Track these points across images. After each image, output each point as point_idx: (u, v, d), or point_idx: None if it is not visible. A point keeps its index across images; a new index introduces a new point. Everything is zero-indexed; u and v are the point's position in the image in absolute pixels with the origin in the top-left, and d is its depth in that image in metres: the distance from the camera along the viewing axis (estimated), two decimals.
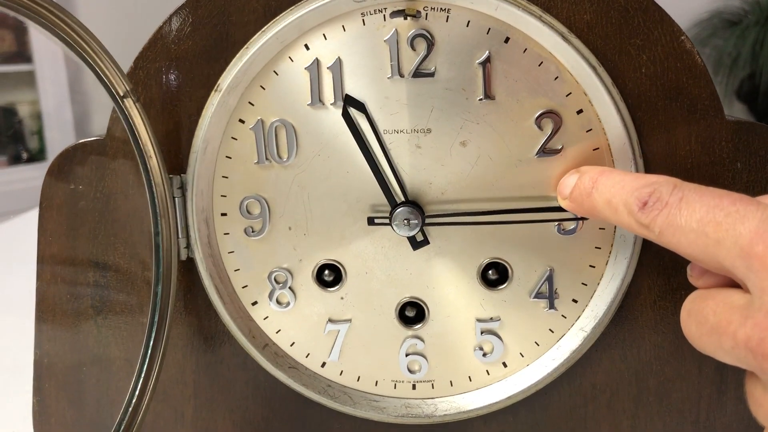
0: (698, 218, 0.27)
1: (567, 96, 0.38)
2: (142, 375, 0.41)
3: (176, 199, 0.41)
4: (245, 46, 0.39)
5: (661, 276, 0.41)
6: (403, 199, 0.40)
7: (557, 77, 0.38)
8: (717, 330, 0.27)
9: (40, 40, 2.91)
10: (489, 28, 0.38)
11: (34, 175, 3.02)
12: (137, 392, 0.41)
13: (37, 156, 3.13)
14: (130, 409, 0.40)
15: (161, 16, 0.41)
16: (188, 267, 0.42)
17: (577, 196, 0.35)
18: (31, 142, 3.17)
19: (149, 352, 0.41)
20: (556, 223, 0.40)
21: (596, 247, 0.40)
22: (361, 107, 0.39)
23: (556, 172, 0.39)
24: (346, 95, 0.39)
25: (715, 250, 0.27)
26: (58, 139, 3.08)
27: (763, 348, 0.25)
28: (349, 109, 0.39)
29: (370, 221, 0.40)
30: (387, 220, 0.40)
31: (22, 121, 3.10)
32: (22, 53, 2.98)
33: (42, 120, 3.07)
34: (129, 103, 0.38)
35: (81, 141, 0.42)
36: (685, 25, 3.00)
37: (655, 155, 0.39)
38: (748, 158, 0.39)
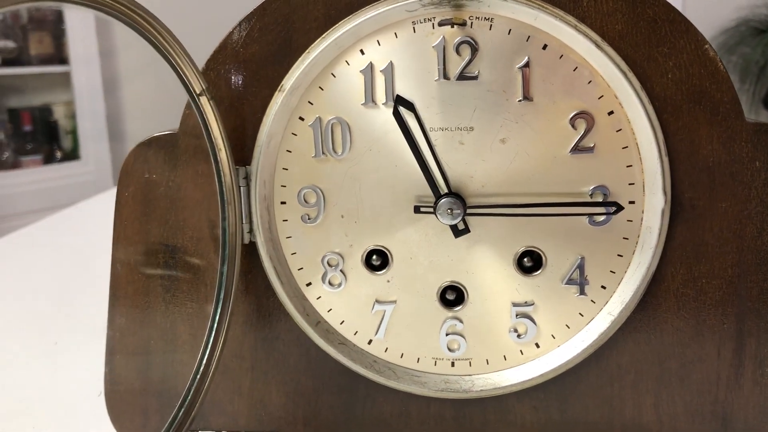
0: None
1: (599, 98, 0.42)
2: (209, 348, 0.45)
3: (241, 188, 0.45)
4: (307, 51, 0.43)
5: (683, 265, 0.44)
6: (446, 190, 0.44)
7: (590, 81, 0.42)
8: None
9: (76, 42, 2.99)
10: (528, 36, 0.42)
11: (67, 173, 3.11)
12: (204, 364, 0.45)
13: (71, 155, 3.21)
14: (198, 378, 0.45)
15: (227, 21, 0.45)
16: (250, 250, 0.46)
17: None
18: (66, 142, 3.25)
19: (215, 326, 0.45)
20: (588, 215, 0.44)
21: (624, 238, 0.44)
22: (410, 107, 0.43)
23: (588, 168, 0.43)
24: (397, 96, 0.43)
25: None
26: (92, 139, 3.16)
27: None
28: (399, 109, 0.43)
29: (416, 210, 0.44)
30: (431, 210, 0.44)
31: (57, 121, 3.19)
32: (58, 55, 3.06)
33: (76, 120, 3.15)
34: (204, 101, 0.42)
35: (155, 134, 0.46)
36: (713, 33, 3.00)
37: (680, 154, 0.42)
38: (766, 157, 0.42)
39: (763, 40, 2.86)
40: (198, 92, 0.41)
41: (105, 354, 0.49)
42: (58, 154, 3.19)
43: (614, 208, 0.43)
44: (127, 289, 0.48)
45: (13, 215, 2.71)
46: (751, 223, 0.43)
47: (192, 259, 0.47)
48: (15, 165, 3.02)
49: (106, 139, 3.16)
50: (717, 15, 3.02)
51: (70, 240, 1.06)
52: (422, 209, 0.44)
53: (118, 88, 3.15)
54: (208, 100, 0.42)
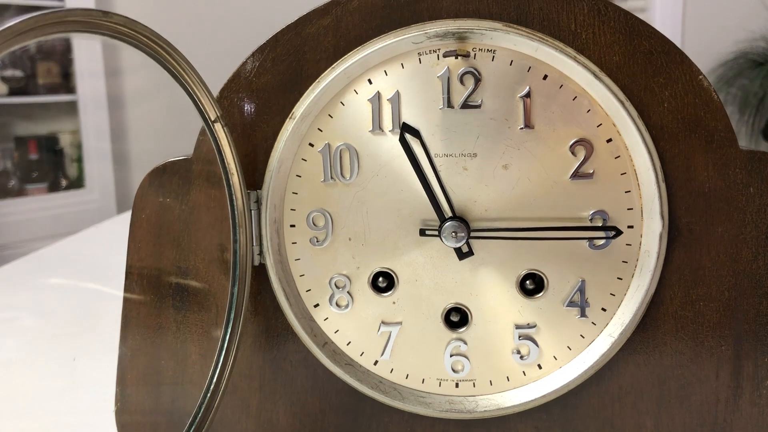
0: None
1: (598, 127, 0.44)
2: (218, 367, 0.46)
3: (252, 211, 0.46)
4: (317, 80, 0.45)
5: (681, 288, 0.45)
6: (450, 214, 0.45)
7: (589, 110, 0.44)
8: None
9: (83, 72, 3.04)
10: (530, 67, 0.44)
11: (72, 201, 3.14)
12: (213, 383, 0.46)
13: (76, 183, 3.24)
14: (207, 397, 0.46)
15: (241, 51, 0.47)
16: (259, 272, 0.48)
17: None
18: (71, 170, 3.28)
19: (225, 346, 0.46)
20: (587, 239, 0.45)
21: (623, 261, 0.45)
22: (416, 134, 0.45)
23: (588, 194, 0.44)
24: (404, 123, 0.45)
25: None
26: (96, 167, 3.19)
27: None
28: (405, 136, 0.45)
29: (422, 233, 0.46)
30: (436, 233, 0.45)
31: (63, 149, 3.22)
32: (66, 84, 3.11)
33: (82, 149, 3.18)
34: (218, 127, 0.44)
35: (170, 160, 0.48)
36: (712, 65, 3.05)
37: (676, 180, 0.44)
38: (760, 183, 0.44)
39: (761, 72, 2.90)
40: (213, 119, 0.43)
41: (116, 373, 0.50)
42: (63, 182, 3.22)
43: (613, 233, 0.44)
44: (140, 310, 0.49)
45: (18, 242, 2.73)
46: (747, 247, 0.44)
47: (203, 281, 0.48)
48: (20, 193, 3.04)
49: (111, 168, 3.20)
50: (716, 47, 3.06)
51: (78, 265, 1.07)
52: (427, 232, 0.46)
53: (124, 116, 3.19)
54: (222, 127, 0.44)
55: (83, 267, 1.05)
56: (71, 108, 3.14)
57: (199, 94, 0.42)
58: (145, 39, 0.37)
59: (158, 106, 2.85)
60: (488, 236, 0.45)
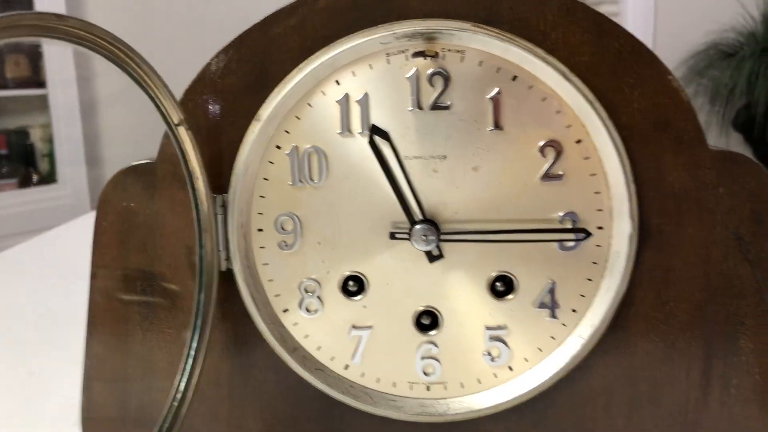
0: None
1: (567, 128, 0.43)
2: (185, 375, 0.45)
3: (218, 216, 0.45)
4: (283, 82, 0.44)
5: (651, 289, 0.45)
6: (421, 217, 0.45)
7: (559, 111, 0.43)
8: None
9: (53, 66, 2.98)
10: (499, 68, 0.43)
11: (44, 197, 3.09)
12: (181, 391, 0.45)
13: (48, 178, 3.19)
14: (175, 405, 0.45)
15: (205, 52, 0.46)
16: (227, 277, 0.47)
17: None
18: (42, 165, 3.23)
19: (192, 353, 0.45)
20: (557, 241, 0.45)
21: (593, 263, 0.45)
22: (385, 136, 0.44)
23: (557, 195, 0.44)
24: (372, 125, 0.44)
25: None
26: (68, 162, 3.14)
27: None
28: (374, 138, 0.44)
29: (392, 236, 0.45)
30: (407, 236, 0.45)
31: (34, 144, 3.17)
32: (35, 78, 3.05)
33: (53, 143, 3.13)
34: (181, 131, 0.43)
35: (134, 164, 0.47)
36: (683, 56, 3.08)
37: (646, 180, 0.44)
38: (730, 184, 0.44)
39: (731, 63, 2.93)
40: (176, 122, 0.42)
41: (82, 382, 0.49)
42: (35, 178, 3.17)
43: (583, 235, 0.44)
44: (105, 317, 0.48)
45: None
46: (717, 248, 0.44)
47: (170, 286, 0.47)
48: None
49: (84, 163, 3.15)
50: (687, 38, 3.09)
51: (49, 264, 1.05)
52: (397, 235, 0.45)
53: (95, 111, 3.15)
54: (186, 130, 0.43)
55: (50, 268, 1.03)
56: (41, 102, 3.08)
57: (161, 97, 0.41)
58: (103, 42, 0.36)
59: (132, 101, 2.81)
60: (458, 239, 0.45)
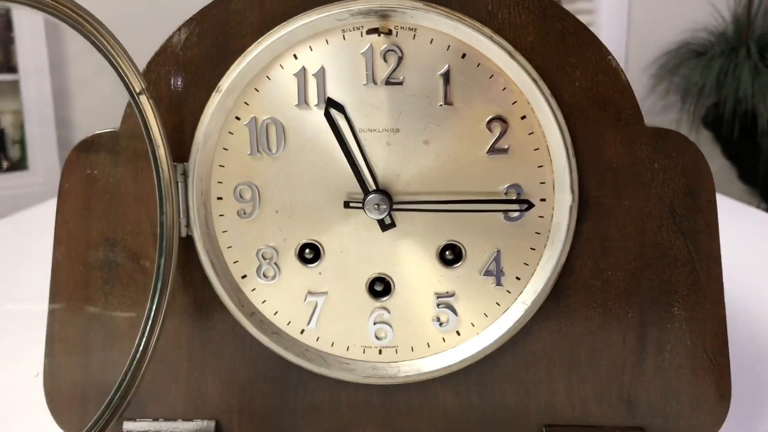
0: None
1: (513, 104, 0.46)
2: (144, 337, 0.47)
3: (179, 183, 0.47)
4: (243, 55, 0.46)
5: (590, 258, 0.48)
6: (374, 187, 0.47)
7: (505, 88, 0.46)
8: None
9: (25, 51, 2.95)
10: (449, 45, 0.45)
11: (15, 184, 3.06)
12: (139, 354, 0.47)
13: (19, 165, 3.16)
14: (132, 367, 0.47)
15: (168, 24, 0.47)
16: (187, 244, 0.48)
17: None
18: (13, 152, 3.20)
19: (151, 317, 0.47)
20: (503, 212, 0.47)
21: (536, 233, 0.47)
22: (340, 109, 0.46)
23: (503, 168, 0.46)
24: (328, 98, 0.46)
25: None
26: (40, 148, 3.11)
27: None
28: (330, 110, 0.46)
29: (346, 205, 0.47)
30: (360, 205, 0.47)
31: (4, 130, 3.13)
32: (7, 63, 3.02)
33: (24, 130, 3.10)
34: (143, 99, 0.44)
35: (97, 132, 0.48)
36: (656, 54, 3.13)
37: (586, 155, 0.46)
38: (664, 160, 0.47)
39: (701, 62, 2.99)
40: (138, 91, 0.44)
41: (45, 345, 0.50)
42: (5, 164, 3.14)
43: (526, 206, 0.46)
44: (68, 282, 0.49)
45: None
46: (652, 219, 0.47)
47: (131, 253, 0.49)
48: None
49: (56, 149, 3.12)
50: (660, 37, 3.15)
51: (18, 245, 1.06)
52: (351, 204, 0.47)
53: (68, 97, 3.12)
54: (148, 99, 0.44)
55: (19, 248, 1.03)
56: (12, 87, 3.05)
57: (123, 66, 0.43)
58: (66, 9, 0.38)
59: (104, 86, 2.79)
60: (409, 209, 0.47)
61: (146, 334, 0.47)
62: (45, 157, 3.11)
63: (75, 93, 3.11)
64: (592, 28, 0.45)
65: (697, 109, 3.10)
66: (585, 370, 0.49)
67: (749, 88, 2.88)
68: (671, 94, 3.18)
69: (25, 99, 3.05)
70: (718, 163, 3.01)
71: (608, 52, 0.46)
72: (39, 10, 0.37)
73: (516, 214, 0.47)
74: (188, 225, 0.48)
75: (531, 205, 0.46)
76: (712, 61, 2.99)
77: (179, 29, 0.46)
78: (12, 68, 3.04)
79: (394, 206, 0.47)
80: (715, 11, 3.09)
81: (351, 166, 0.47)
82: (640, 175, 0.47)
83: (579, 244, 0.47)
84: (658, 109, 3.24)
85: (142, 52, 0.49)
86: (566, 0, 3.23)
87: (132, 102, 0.44)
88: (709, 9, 3.10)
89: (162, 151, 0.46)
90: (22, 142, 3.17)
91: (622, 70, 0.46)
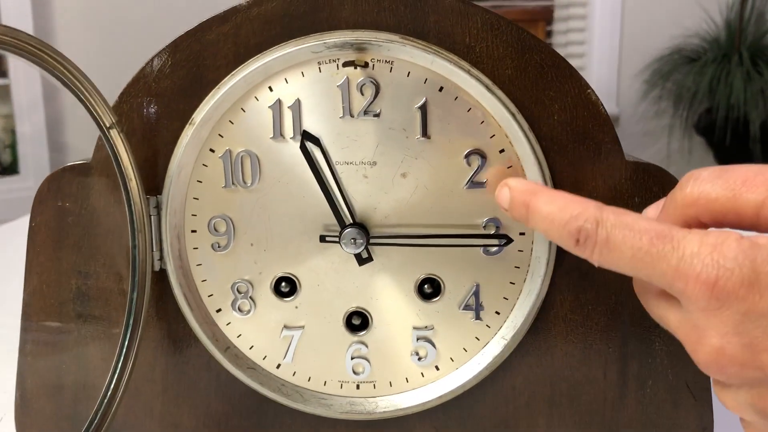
0: (627, 259, 0.31)
1: (491, 137, 0.45)
2: (117, 372, 0.46)
3: (152, 216, 0.46)
4: (217, 87, 0.45)
5: (570, 293, 0.47)
6: (351, 221, 0.46)
7: (483, 121, 0.45)
8: None
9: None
10: (426, 79, 0.45)
11: (6, 188, 3.04)
12: (111, 388, 0.46)
13: (10, 169, 3.14)
14: (105, 401, 0.46)
15: (141, 54, 0.47)
16: (160, 277, 0.48)
17: (517, 218, 0.38)
18: (5, 156, 3.18)
19: (123, 351, 0.46)
20: (482, 246, 0.46)
21: (516, 267, 0.47)
22: (316, 141, 0.45)
23: (481, 202, 0.46)
24: (304, 131, 0.45)
25: (648, 276, 0.31)
26: (31, 153, 3.10)
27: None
28: (306, 143, 0.45)
29: (322, 239, 0.46)
30: (336, 239, 0.46)
31: None
32: None
33: (15, 134, 3.09)
34: (114, 134, 0.43)
35: (69, 164, 0.47)
36: (648, 60, 3.13)
37: (565, 189, 0.46)
38: (644, 193, 0.46)
39: (694, 68, 2.99)
40: (107, 125, 0.43)
41: (16, 378, 0.49)
42: None
43: (504, 241, 0.45)
44: (39, 315, 0.49)
45: None
46: None
47: (104, 286, 0.48)
48: None
49: (47, 154, 3.11)
50: (653, 43, 3.15)
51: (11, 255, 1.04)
52: (327, 239, 0.46)
53: (59, 101, 3.11)
54: (118, 133, 0.44)
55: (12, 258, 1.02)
56: (4, 92, 3.04)
57: (92, 101, 0.42)
58: (30, 47, 0.37)
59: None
60: (386, 243, 0.46)
61: (119, 368, 0.46)
62: (36, 161, 3.09)
63: (66, 95, 3.10)
64: (584, 35, 0.45)
65: (690, 114, 3.11)
66: (566, 405, 0.49)
67: (741, 94, 2.89)
68: (664, 99, 3.18)
69: (16, 103, 3.04)
70: None
71: (587, 86, 0.45)
72: (2, 50, 0.36)
73: (495, 248, 0.46)
74: (162, 258, 0.47)
75: (510, 240, 0.46)
76: (705, 67, 3.00)
77: (152, 60, 0.46)
78: (3, 72, 3.03)
79: (371, 240, 0.46)
80: (707, 17, 3.09)
81: (327, 200, 0.46)
82: None
83: (559, 278, 0.47)
84: (651, 115, 3.24)
85: (119, 82, 0.48)
86: (559, 6, 3.23)
87: (102, 136, 0.43)
88: (701, 15, 3.10)
89: (134, 184, 0.45)
90: (13, 147, 3.16)
91: (602, 104, 0.45)
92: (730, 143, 2.96)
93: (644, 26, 3.24)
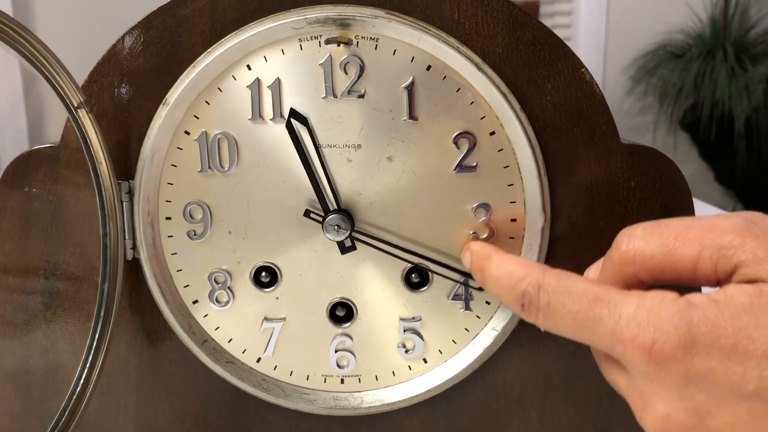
0: (567, 323, 0.31)
1: (481, 119, 0.43)
2: (87, 367, 0.44)
3: (124, 203, 0.44)
4: (192, 65, 0.43)
5: None
6: (335, 206, 0.44)
7: (473, 102, 0.43)
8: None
9: None
10: (413, 57, 0.42)
11: None
12: (81, 383, 0.43)
13: None
14: (74, 398, 0.43)
15: (114, 32, 0.44)
16: (134, 267, 0.45)
17: (478, 280, 0.38)
18: None
19: (94, 345, 0.44)
20: (472, 232, 0.44)
21: None
22: (303, 121, 0.43)
23: (471, 187, 0.44)
24: (291, 109, 0.43)
25: (590, 340, 0.30)
26: (11, 145, 3.04)
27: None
28: (292, 122, 0.43)
29: (306, 214, 0.44)
30: (320, 219, 0.43)
31: None
32: None
33: None
34: (82, 114, 0.41)
35: (36, 147, 0.45)
36: (634, 56, 3.13)
37: (558, 173, 0.44)
38: (641, 177, 0.44)
39: (679, 64, 2.99)
40: (75, 105, 0.40)
41: None
42: None
43: (464, 278, 0.45)
44: (5, 307, 0.46)
45: None
46: None
47: (74, 276, 0.46)
48: None
49: (27, 146, 3.05)
50: (638, 39, 3.14)
51: None
52: (312, 215, 0.44)
53: (38, 94, 3.05)
54: (87, 113, 0.41)
55: None
56: None
57: (59, 79, 0.39)
58: None
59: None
60: (368, 242, 0.44)
61: (90, 363, 0.44)
62: (16, 154, 3.04)
63: (47, 92, 3.04)
64: (570, 30, 0.43)
65: (675, 110, 3.11)
66: (559, 399, 0.47)
67: (726, 90, 2.89)
68: (649, 95, 3.18)
69: None
70: (695, 165, 3.01)
71: (581, 65, 0.43)
72: None
73: (485, 234, 0.44)
74: (134, 247, 0.45)
75: (468, 279, 0.45)
76: (690, 63, 3.00)
77: (123, 37, 0.43)
78: None
79: (355, 234, 0.44)
80: (692, 13, 3.09)
81: (312, 183, 0.44)
82: (615, 194, 0.44)
83: (552, 266, 0.45)
84: (636, 111, 3.24)
85: (84, 61, 0.45)
86: (545, 2, 3.22)
87: (70, 116, 0.41)
88: (686, 11, 3.10)
89: (104, 168, 0.43)
90: None
91: (597, 84, 0.43)
92: (715, 139, 2.96)
93: (629, 22, 3.24)
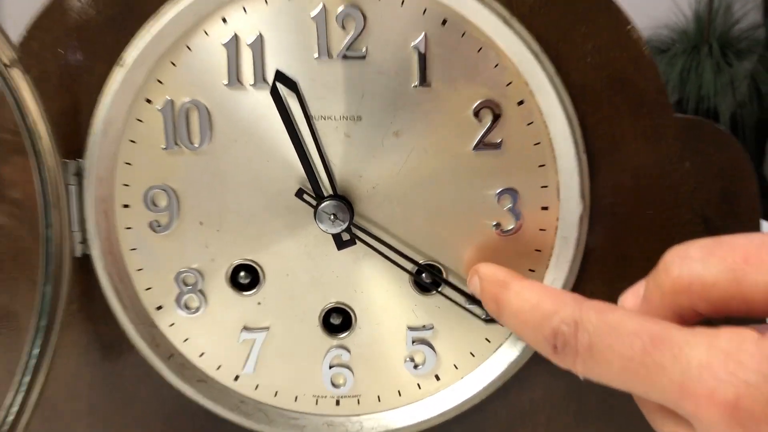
0: (616, 371, 0.25)
1: (507, 86, 0.36)
2: (23, 388, 0.36)
3: (71, 187, 0.37)
4: (154, 17, 0.35)
5: (604, 282, 0.38)
6: (331, 192, 0.37)
7: (497, 65, 0.36)
8: None
9: None
10: (425, 9, 0.35)
11: None
12: (17, 409, 0.36)
13: None
14: (9, 422, 0.35)
15: None
16: (84, 265, 0.38)
17: (491, 313, 0.33)
18: None
19: (33, 361, 0.36)
20: (494, 223, 0.37)
21: (536, 250, 0.38)
22: (292, 86, 0.36)
23: (494, 168, 0.36)
24: (277, 71, 0.35)
25: (646, 393, 0.24)
26: None
27: None
28: (278, 88, 0.35)
29: (299, 194, 0.36)
30: (313, 204, 0.36)
31: None
32: None
33: None
34: (16, 75, 0.33)
35: None
36: None
37: (600, 151, 0.37)
38: (696, 157, 0.37)
39: (664, 59, 2.97)
40: (6, 63, 0.32)
41: None
42: None
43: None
44: None
45: None
46: (680, 233, 0.38)
47: (8, 276, 0.38)
48: None
49: None
50: None
51: None
52: (306, 197, 0.36)
53: None
54: (23, 74, 0.33)
55: None
56: None
57: None
58: None
59: None
60: (369, 243, 0.37)
61: (27, 383, 0.36)
62: None
63: None
64: None
65: None
66: (594, 422, 0.40)
67: (711, 86, 2.87)
68: None
69: None
70: None
71: (628, 21, 0.36)
72: None
73: (511, 226, 0.37)
74: (84, 241, 0.37)
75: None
76: (675, 58, 2.98)
77: None
78: None
79: (354, 229, 0.37)
80: (676, 9, 3.07)
81: (303, 163, 0.36)
82: (666, 177, 0.37)
83: (589, 264, 0.38)
84: None
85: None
86: None
87: (0, 79, 0.33)
88: (670, 6, 3.09)
89: (46, 144, 0.35)
90: None
91: (645, 44, 0.36)
92: None
93: None
